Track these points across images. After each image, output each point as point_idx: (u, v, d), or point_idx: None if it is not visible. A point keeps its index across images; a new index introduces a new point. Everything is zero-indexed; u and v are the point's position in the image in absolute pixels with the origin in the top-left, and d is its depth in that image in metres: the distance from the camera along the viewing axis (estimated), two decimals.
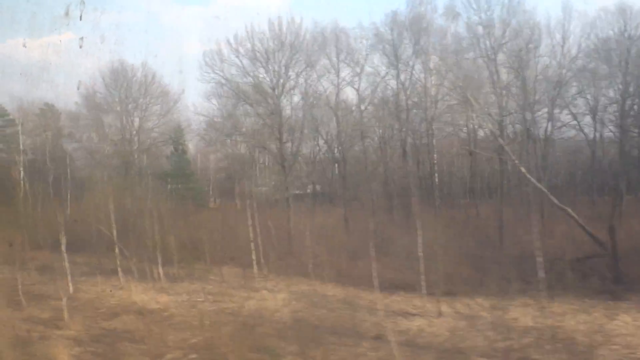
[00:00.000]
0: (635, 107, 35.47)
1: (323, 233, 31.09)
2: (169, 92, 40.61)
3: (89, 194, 35.34)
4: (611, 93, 35.14)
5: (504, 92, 32.00)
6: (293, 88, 33.31)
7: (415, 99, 34.70)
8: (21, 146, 45.54)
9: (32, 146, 52.41)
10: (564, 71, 32.30)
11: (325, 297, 23.40)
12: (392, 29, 34.31)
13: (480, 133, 35.87)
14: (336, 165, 36.38)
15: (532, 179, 29.04)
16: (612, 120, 36.50)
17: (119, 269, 25.86)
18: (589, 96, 35.65)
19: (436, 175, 32.43)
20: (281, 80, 32.89)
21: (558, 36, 32.15)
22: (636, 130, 36.31)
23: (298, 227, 31.18)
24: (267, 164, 41.78)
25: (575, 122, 36.56)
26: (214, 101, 45.72)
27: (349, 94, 36.03)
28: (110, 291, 24.14)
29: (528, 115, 33.37)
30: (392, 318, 19.95)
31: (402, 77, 33.76)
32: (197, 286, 25.57)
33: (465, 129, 36.20)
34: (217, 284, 25.95)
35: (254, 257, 26.90)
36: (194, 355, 15.44)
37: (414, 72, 34.29)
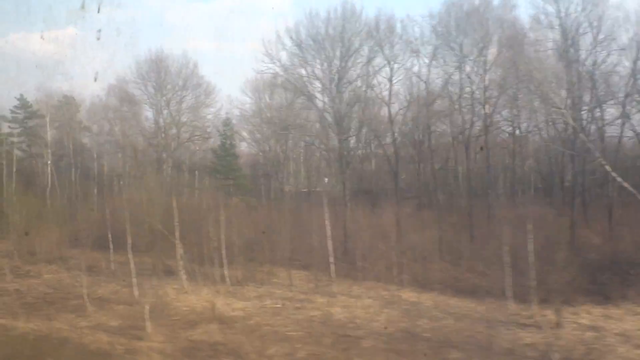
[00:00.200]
0: None
1: (387, 233, 28.82)
2: (210, 83, 38.32)
3: (132, 190, 32.92)
4: None
5: (578, 86, 29.74)
6: (355, 80, 30.95)
7: (478, 93, 32.31)
8: (49, 138, 43.08)
9: (54, 139, 50.01)
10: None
11: (416, 305, 21.20)
12: (456, 21, 32.00)
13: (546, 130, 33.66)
14: (390, 162, 34.02)
15: (619, 178, 26.89)
16: None
17: (182, 271, 23.53)
18: None
19: (511, 172, 30.23)
20: (339, 72, 30.60)
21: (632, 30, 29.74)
22: None
23: (358, 227, 28.89)
24: (320, 161, 39.35)
25: None
26: (250, 94, 43.94)
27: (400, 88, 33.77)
28: (176, 295, 21.85)
29: (597, 113, 31.16)
30: (507, 328, 17.83)
31: (467, 69, 31.43)
32: (264, 290, 23.37)
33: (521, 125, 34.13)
34: (285, 288, 23.73)
35: (331, 259, 24.64)
36: None
37: (476, 64, 31.91)
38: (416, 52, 30.56)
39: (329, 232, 24.37)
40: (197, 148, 41.21)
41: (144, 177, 31.97)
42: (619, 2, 43.22)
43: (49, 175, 41.87)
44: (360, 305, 21.08)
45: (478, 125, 31.12)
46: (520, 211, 31.96)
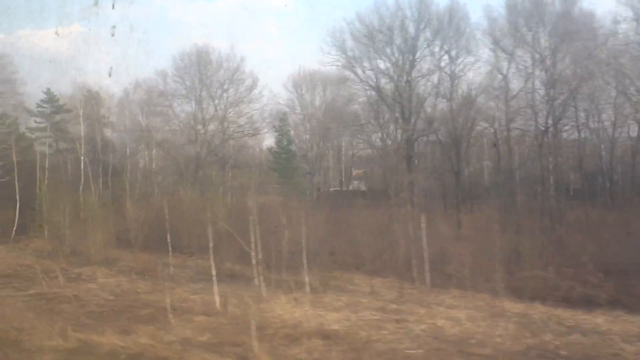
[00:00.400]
0: None
1: (463, 237, 26.60)
2: (255, 77, 36.12)
3: (184, 189, 30.84)
4: None
5: None
6: (426, 74, 28.68)
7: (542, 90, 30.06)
8: (82, 132, 40.88)
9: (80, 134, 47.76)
10: None
11: (525, 317, 18.93)
12: (528, 13, 29.74)
13: None
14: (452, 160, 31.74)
15: None
16: None
17: (258, 277, 21.28)
18: None
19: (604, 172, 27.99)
20: (408, 64, 28.38)
21: None
22: None
23: (431, 230, 26.62)
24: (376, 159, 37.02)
25: None
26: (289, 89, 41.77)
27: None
28: (256, 304, 19.53)
29: None
30: None
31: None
32: (348, 299, 21.09)
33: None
34: (369, 297, 21.57)
35: (426, 266, 22.39)
36: None
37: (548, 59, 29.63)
38: (495, 45, 28.27)
39: (424, 238, 22.08)
40: (244, 145, 38.92)
41: (197, 176, 29.97)
42: None
43: (82, 172, 39.73)
44: (465, 317, 18.80)
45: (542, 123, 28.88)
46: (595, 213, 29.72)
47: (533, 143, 29.69)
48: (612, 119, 31.33)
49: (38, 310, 18.71)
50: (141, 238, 27.58)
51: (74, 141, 43.72)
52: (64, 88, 45.73)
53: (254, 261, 21.67)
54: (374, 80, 28.60)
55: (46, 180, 36.67)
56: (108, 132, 44.85)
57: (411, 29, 28.12)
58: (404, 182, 30.08)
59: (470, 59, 29.00)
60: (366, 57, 28.52)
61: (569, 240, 25.41)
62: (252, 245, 21.71)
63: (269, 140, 43.86)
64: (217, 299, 19.02)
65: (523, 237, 26.96)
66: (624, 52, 28.97)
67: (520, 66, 28.61)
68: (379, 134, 33.31)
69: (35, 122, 48.82)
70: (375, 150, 35.62)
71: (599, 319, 18.62)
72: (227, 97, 36.12)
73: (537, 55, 29.49)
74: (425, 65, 28.79)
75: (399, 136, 29.27)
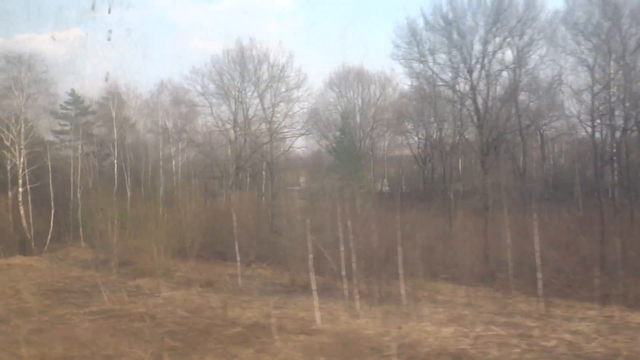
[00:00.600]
0: None
1: (549, 239, 24.44)
2: (304, 75, 34.11)
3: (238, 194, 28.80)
4: None
5: None
6: (505, 68, 26.58)
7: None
8: (115, 135, 38.77)
9: (101, 137, 45.59)
10: None
11: None
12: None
13: None
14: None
15: None
16: None
17: (349, 289, 19.19)
18: None
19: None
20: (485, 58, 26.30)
21: None
22: None
23: (513, 234, 24.48)
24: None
25: None
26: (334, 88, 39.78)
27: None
28: (352, 320, 17.50)
29: None
30: None
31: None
32: (446, 311, 19.06)
33: None
34: (471, 309, 19.49)
35: (539, 275, 20.13)
36: None
37: None
38: (577, 36, 26.13)
39: (536, 243, 19.88)
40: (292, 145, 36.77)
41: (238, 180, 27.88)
42: None
43: (116, 177, 37.60)
44: (589, 330, 16.71)
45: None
46: None
47: (611, 143, 27.52)
48: None
49: (111, 331, 16.67)
50: (197, 247, 25.49)
51: (105, 144, 41.60)
52: (84, 90, 43.46)
53: (342, 271, 19.50)
54: (449, 75, 26.63)
55: (79, 186, 34.57)
56: (138, 135, 42.67)
57: (487, 20, 26.05)
58: (478, 183, 28.00)
59: (543, 51, 26.79)
60: (441, 51, 26.53)
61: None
62: (341, 252, 19.56)
63: (308, 141, 41.84)
64: (317, 315, 16.86)
65: (612, 240, 24.84)
66: None
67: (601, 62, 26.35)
68: (437, 133, 31.38)
69: (60, 124, 46.77)
70: (434, 150, 33.48)
71: None
72: (275, 96, 34.13)
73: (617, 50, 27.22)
74: (501, 58, 26.56)
75: (467, 135, 27.27)
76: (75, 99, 46.97)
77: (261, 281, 23.65)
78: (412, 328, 16.84)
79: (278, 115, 34.65)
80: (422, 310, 19.12)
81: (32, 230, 33.47)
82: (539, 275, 21.08)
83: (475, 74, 26.06)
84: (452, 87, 27.07)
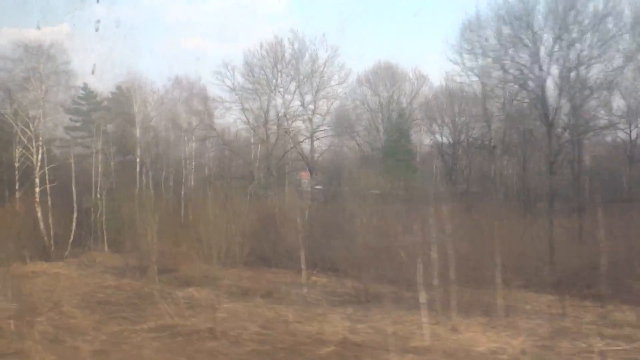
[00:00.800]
0: None
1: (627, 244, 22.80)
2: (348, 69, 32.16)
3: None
4: None
5: None
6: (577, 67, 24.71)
7: None
8: (137, 133, 36.45)
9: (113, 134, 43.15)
10: None
11: None
12: None
13: None
14: None
15: None
16: None
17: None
18: None
19: None
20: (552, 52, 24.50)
21: None
22: None
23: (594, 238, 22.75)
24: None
25: None
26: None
27: None
28: (458, 335, 15.59)
29: None
30: None
31: None
32: (545, 324, 17.24)
33: None
34: (570, 321, 17.65)
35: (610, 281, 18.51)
36: None
37: None
38: None
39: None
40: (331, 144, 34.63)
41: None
42: None
43: (138, 176, 35.29)
44: None
45: None
46: None
47: None
48: None
49: (184, 352, 14.64)
50: (245, 253, 23.34)
51: (120, 141, 39.19)
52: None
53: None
54: (517, 72, 24.84)
55: (103, 187, 32.16)
56: (157, 132, 40.24)
57: (559, 16, 24.28)
58: (544, 185, 26.21)
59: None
60: (512, 48, 24.79)
61: None
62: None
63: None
64: (422, 331, 14.93)
65: None
66: None
67: None
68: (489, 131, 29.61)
69: (71, 120, 44.27)
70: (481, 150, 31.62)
71: None
72: (316, 92, 32.12)
73: None
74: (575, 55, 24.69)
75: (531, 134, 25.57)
76: (88, 94, 44.46)
77: (321, 290, 21.64)
78: (524, 343, 15.05)
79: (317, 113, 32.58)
80: (518, 322, 17.34)
81: (51, 234, 31.09)
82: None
83: (546, 71, 24.33)
84: (522, 84, 25.28)
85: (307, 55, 32.67)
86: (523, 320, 17.50)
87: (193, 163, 39.78)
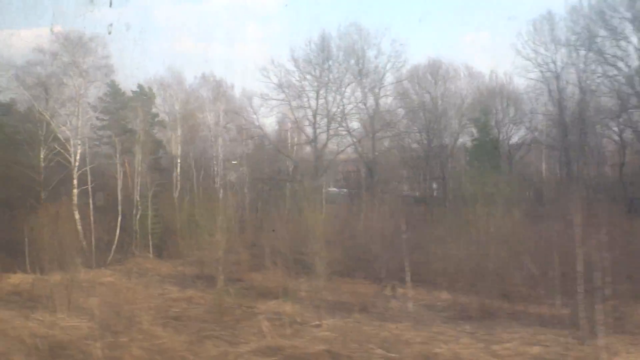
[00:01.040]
0: None
1: None
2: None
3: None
4: None
5: None
6: None
7: None
8: (178, 132, 34.32)
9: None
10: None
11: None
12: None
13: None
14: None
15: None
16: None
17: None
18: None
19: None
20: None
21: None
22: None
23: None
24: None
25: None
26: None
27: None
28: None
29: None
30: None
31: None
32: None
33: None
34: None
35: None
36: None
37: None
38: None
39: None
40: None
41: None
42: None
43: (178, 179, 33.16)
44: None
45: None
46: None
47: None
48: None
49: None
50: (325, 262, 21.30)
51: (152, 142, 37.04)
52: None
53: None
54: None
55: (148, 188, 29.90)
56: (193, 131, 38.05)
57: None
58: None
59: None
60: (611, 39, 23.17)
61: None
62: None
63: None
64: (570, 352, 13.10)
65: None
66: None
67: None
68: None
69: (98, 118, 42.05)
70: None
71: None
72: (379, 88, 30.18)
73: None
74: None
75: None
76: (115, 91, 42.32)
77: (417, 304, 19.62)
78: None
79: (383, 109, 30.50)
80: None
81: (92, 238, 28.90)
82: None
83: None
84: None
85: (374, 50, 30.68)
86: None
87: (231, 164, 37.79)
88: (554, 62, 28.42)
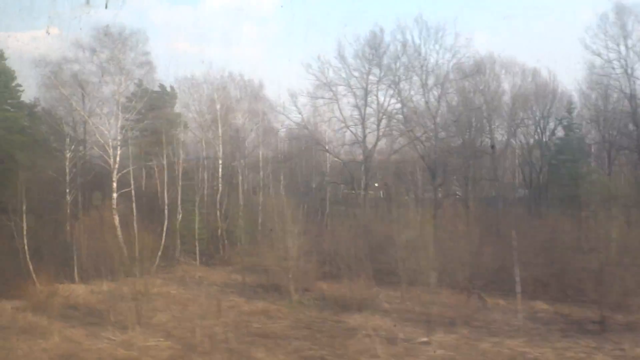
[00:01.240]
0: None
1: None
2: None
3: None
4: None
5: None
6: None
7: None
8: (220, 133, 32.55)
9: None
10: None
11: None
12: None
13: None
14: None
15: None
16: None
17: None
18: None
19: None
20: None
21: None
22: None
23: None
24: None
25: None
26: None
27: None
28: None
29: None
30: None
31: None
32: None
33: None
34: None
35: None
36: None
37: None
38: None
39: None
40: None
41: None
42: None
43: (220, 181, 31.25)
44: None
45: None
46: None
47: None
48: None
49: None
50: (409, 272, 19.54)
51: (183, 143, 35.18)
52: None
53: None
54: None
55: (179, 193, 27.97)
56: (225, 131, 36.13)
57: None
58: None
59: None
60: None
61: None
62: None
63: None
64: None
65: None
66: None
67: None
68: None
69: (125, 119, 40.19)
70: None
71: None
72: (442, 85, 28.41)
73: None
74: None
75: None
76: (143, 91, 40.50)
77: (520, 316, 17.81)
78: None
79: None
80: None
81: (136, 245, 27.04)
82: None
83: None
84: None
85: (436, 45, 28.94)
86: None
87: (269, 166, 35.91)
88: (625, 59, 26.76)
